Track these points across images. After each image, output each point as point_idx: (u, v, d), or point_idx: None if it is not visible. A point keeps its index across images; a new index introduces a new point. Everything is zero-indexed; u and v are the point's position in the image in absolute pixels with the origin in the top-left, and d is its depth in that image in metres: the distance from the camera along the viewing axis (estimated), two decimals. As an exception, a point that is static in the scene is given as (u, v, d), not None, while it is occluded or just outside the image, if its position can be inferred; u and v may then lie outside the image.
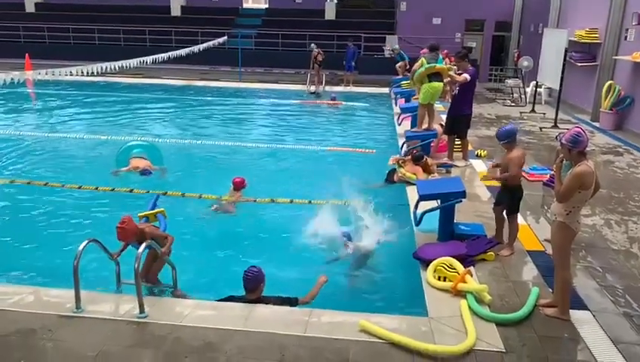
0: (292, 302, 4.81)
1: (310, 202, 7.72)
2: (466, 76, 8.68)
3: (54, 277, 5.21)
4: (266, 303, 4.71)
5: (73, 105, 16.03)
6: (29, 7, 27.21)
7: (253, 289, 4.71)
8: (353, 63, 19.39)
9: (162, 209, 5.68)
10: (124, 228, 4.80)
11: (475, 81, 9.01)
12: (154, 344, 4.12)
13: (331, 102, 16.36)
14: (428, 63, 9.56)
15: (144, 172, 8.68)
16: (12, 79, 8.78)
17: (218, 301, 4.80)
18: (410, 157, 8.74)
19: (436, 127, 10.12)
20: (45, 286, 4.97)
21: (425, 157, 8.57)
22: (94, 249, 4.77)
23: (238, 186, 7.94)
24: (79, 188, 8.28)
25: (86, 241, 4.55)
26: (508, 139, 5.85)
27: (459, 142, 9.39)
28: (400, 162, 8.78)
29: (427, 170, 8.38)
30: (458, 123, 9.09)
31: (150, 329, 4.30)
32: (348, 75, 19.41)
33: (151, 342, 4.15)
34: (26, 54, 19.30)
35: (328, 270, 5.73)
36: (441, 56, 10.26)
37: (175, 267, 5.01)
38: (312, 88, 18.33)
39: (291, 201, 7.79)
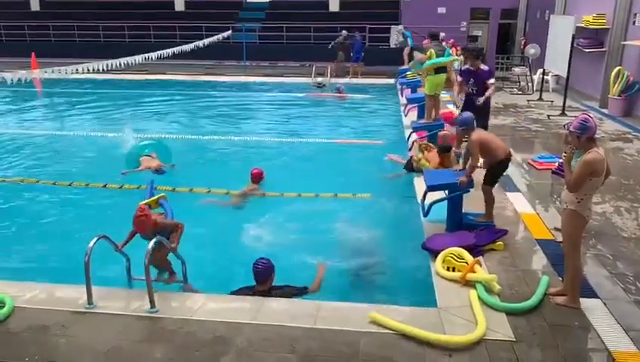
0: (302, 291, 4.86)
1: (317, 195, 7.73)
2: (491, 90, 8.34)
3: (66, 274, 5.25)
4: (278, 293, 4.76)
5: (80, 102, 16.07)
6: (34, 6, 27.32)
7: (263, 281, 4.78)
8: (362, 54, 19.32)
9: (163, 194, 5.67)
10: (147, 216, 4.81)
11: None
12: (165, 338, 4.15)
13: (337, 94, 16.31)
14: (437, 55, 9.51)
15: (158, 171, 8.69)
16: (19, 78, 8.83)
17: (230, 293, 4.86)
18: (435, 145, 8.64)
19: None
20: (57, 283, 5.03)
21: (452, 150, 8.39)
22: (104, 245, 4.81)
23: (257, 178, 7.93)
24: (87, 185, 8.34)
25: (96, 238, 4.59)
26: (464, 126, 6.07)
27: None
28: (423, 146, 8.58)
29: (445, 163, 8.23)
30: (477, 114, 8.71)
31: (161, 324, 4.33)
32: (355, 67, 19.32)
33: (162, 336, 4.19)
34: (32, 53, 19.39)
35: (337, 263, 5.77)
36: (448, 48, 10.20)
37: (184, 261, 5.04)
38: (319, 79, 18.21)
39: (299, 195, 7.79)
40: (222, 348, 4.01)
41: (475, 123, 6.15)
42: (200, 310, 4.51)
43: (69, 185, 8.39)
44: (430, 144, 8.79)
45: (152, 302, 4.48)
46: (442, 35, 10.27)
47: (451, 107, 10.96)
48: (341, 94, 16.24)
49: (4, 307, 4.46)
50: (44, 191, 8.21)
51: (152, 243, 4.55)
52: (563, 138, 4.85)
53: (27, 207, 7.61)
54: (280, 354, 3.94)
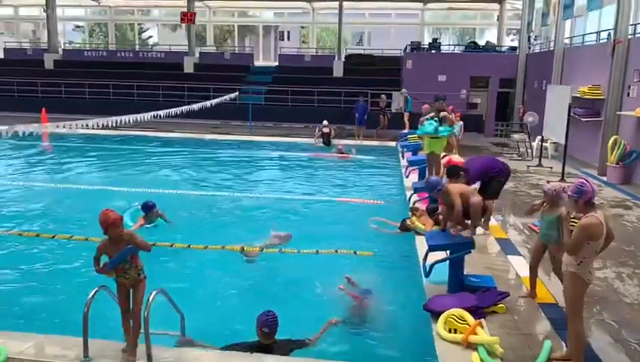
0: (302, 344, 4.85)
1: (317, 252, 7.74)
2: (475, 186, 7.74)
3: (61, 326, 5.20)
4: (279, 347, 4.73)
5: (87, 157, 16.33)
6: (48, 65, 28.30)
7: (271, 334, 4.77)
8: (365, 117, 19.85)
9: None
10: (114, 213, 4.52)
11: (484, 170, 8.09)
12: (161, 394, 4.07)
13: (339, 154, 16.60)
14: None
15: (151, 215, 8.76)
16: (31, 131, 9.07)
17: (231, 345, 4.79)
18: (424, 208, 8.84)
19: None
20: (53, 334, 4.97)
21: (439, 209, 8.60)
22: (103, 297, 4.76)
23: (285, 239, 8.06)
24: (86, 239, 8.31)
25: (96, 288, 4.57)
26: (437, 187, 6.48)
27: None
28: (414, 211, 8.88)
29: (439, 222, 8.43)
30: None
31: (158, 380, 4.25)
32: (358, 129, 19.74)
33: (158, 392, 4.10)
34: (43, 108, 19.91)
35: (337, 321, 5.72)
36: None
37: (183, 315, 4.99)
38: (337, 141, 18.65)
39: (298, 251, 7.80)
40: (218, 406, 3.92)
41: (443, 184, 6.53)
42: (198, 365, 4.43)
43: (70, 238, 8.39)
44: (418, 207, 8.98)
45: (149, 357, 4.40)
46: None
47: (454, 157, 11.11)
48: (343, 154, 16.53)
49: (-2, 358, 4.40)
50: (43, 244, 8.20)
51: (153, 294, 4.52)
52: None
53: (26, 259, 7.58)
54: (278, 414, 3.84)
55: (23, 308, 5.99)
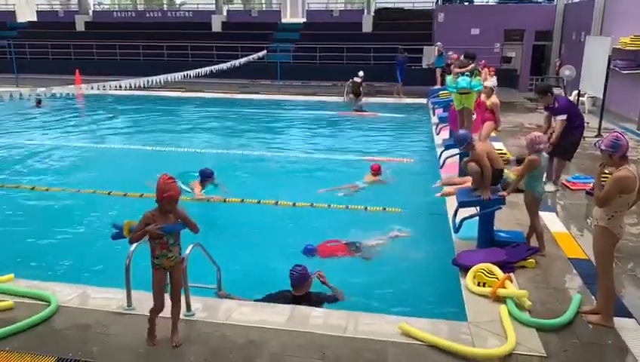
0: (332, 300, 5.07)
1: (347, 208, 7.86)
2: (562, 118, 7.88)
3: (107, 278, 5.50)
4: (311, 299, 4.94)
5: (120, 118, 16.68)
6: (80, 26, 28.58)
7: (299, 287, 4.97)
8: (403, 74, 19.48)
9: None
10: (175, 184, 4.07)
11: (573, 111, 8.11)
12: (200, 340, 4.30)
13: (362, 113, 16.49)
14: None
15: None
16: (68, 93, 9.32)
17: (268, 295, 5.04)
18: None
19: None
20: (99, 286, 5.27)
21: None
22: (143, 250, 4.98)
23: (376, 171, 9.33)
24: (125, 195, 8.63)
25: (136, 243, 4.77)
26: (466, 141, 6.26)
27: None
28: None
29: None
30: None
31: (197, 327, 4.49)
32: (397, 87, 19.38)
33: (197, 338, 4.34)
34: (77, 70, 20.26)
35: (368, 275, 5.86)
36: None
37: (220, 268, 5.20)
38: (350, 99, 18.48)
39: (329, 206, 7.94)
40: (254, 352, 4.14)
41: (472, 138, 6.37)
42: (234, 315, 4.65)
43: (109, 193, 8.72)
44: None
45: (188, 305, 4.64)
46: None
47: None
48: (363, 113, 16.40)
49: (49, 305, 4.70)
50: (85, 200, 8.56)
51: (190, 248, 4.70)
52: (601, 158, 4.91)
53: (69, 214, 7.94)
54: (310, 360, 4.03)
55: (70, 261, 6.33)
